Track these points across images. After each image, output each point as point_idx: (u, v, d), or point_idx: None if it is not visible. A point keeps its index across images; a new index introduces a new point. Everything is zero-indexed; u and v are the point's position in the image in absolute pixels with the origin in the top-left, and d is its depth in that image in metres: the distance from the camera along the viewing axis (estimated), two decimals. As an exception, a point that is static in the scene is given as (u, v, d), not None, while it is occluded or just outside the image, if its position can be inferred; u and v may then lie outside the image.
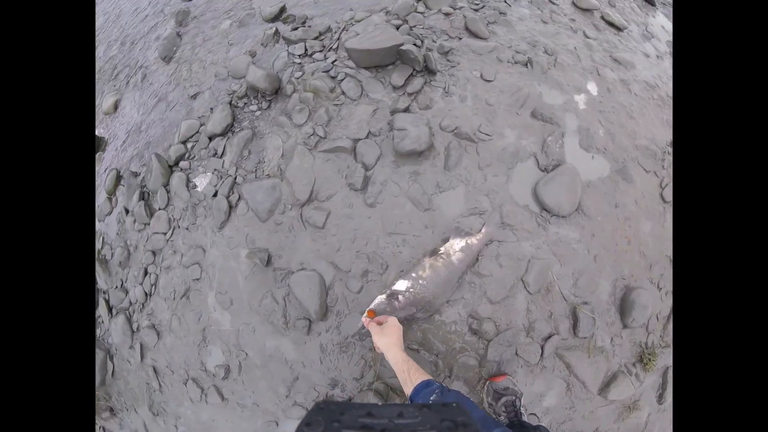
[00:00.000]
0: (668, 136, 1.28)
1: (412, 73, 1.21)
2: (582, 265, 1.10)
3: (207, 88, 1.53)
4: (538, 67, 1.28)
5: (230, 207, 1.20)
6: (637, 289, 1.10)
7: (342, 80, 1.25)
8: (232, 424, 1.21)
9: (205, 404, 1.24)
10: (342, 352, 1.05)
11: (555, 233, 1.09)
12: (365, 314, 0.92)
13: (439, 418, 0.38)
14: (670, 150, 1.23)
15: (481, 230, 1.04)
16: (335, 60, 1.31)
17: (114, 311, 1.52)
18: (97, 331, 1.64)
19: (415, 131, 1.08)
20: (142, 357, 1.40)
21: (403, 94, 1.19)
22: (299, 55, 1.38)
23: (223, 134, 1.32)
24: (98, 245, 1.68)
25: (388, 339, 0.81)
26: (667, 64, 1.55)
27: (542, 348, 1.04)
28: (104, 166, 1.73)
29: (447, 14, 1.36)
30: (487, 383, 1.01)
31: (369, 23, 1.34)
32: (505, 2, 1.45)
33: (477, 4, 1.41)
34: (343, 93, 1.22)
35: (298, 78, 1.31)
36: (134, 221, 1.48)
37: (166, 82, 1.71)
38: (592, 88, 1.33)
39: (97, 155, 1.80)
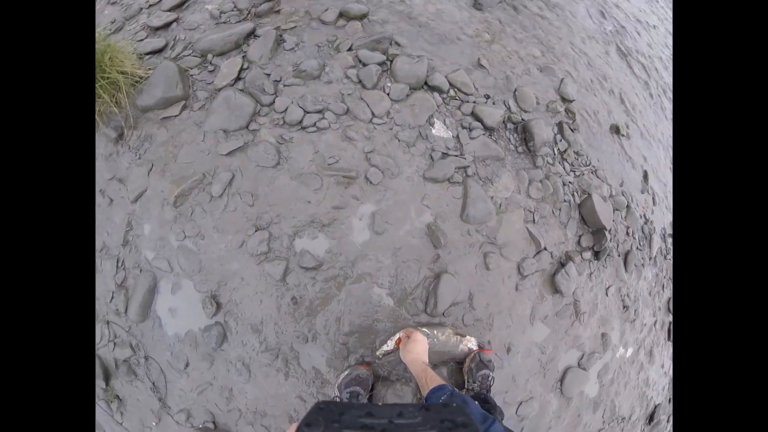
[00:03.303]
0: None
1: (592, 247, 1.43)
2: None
3: (501, 75, 1.45)
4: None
5: (449, 180, 1.14)
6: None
7: (564, 202, 1.38)
8: (253, 287, 1.03)
9: (251, 260, 1.03)
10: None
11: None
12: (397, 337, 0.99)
13: (439, 418, 0.36)
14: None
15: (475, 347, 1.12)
16: (570, 183, 1.44)
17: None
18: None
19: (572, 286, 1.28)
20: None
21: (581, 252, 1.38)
22: (557, 152, 1.46)
23: (485, 129, 1.27)
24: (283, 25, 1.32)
25: (413, 354, 0.88)
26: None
27: None
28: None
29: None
30: (476, 351, 1.08)
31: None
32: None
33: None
34: (559, 210, 1.35)
35: (549, 163, 1.38)
36: (351, 68, 1.23)
37: (466, 21, 1.56)
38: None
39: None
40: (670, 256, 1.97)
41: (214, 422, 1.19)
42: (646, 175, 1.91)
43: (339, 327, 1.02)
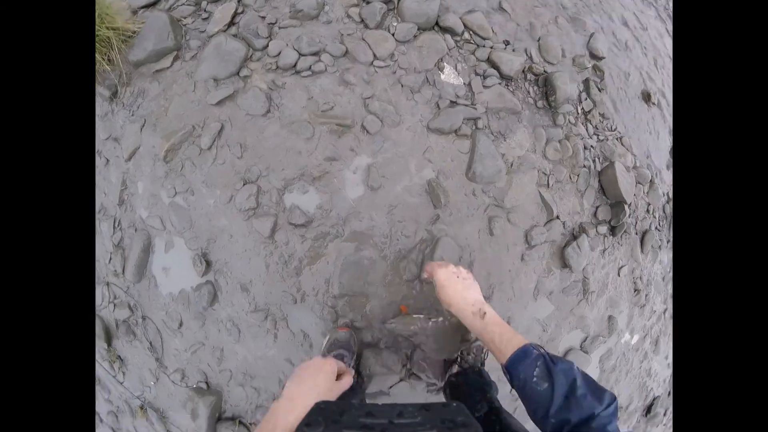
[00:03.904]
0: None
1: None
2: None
3: (524, 21, 1.25)
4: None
5: (456, 132, 0.99)
6: None
7: (583, 167, 1.20)
8: (241, 245, 0.96)
9: (239, 216, 0.95)
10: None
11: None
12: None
13: (440, 418, 0.36)
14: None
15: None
16: (591, 147, 1.26)
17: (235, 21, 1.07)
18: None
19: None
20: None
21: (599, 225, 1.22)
22: (581, 111, 1.27)
23: (502, 78, 1.10)
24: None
25: (458, 300, 0.57)
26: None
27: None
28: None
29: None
30: None
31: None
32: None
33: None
34: (577, 176, 1.18)
35: (570, 123, 1.20)
36: (353, 6, 1.09)
37: None
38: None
39: None
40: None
41: (207, 382, 1.16)
42: (672, 152, 1.68)
43: (328, 289, 0.94)
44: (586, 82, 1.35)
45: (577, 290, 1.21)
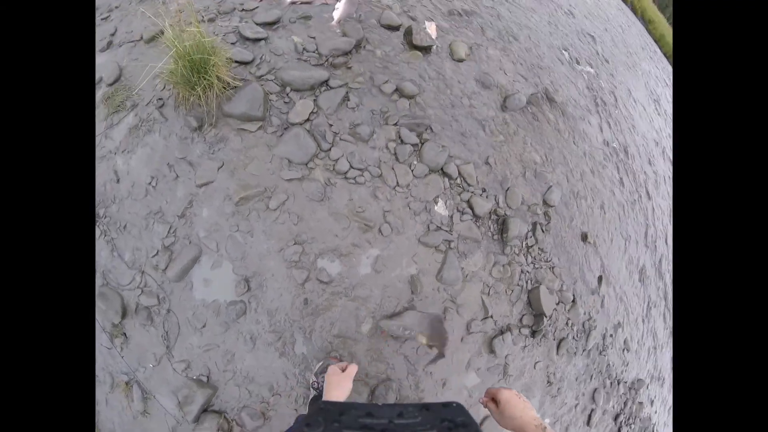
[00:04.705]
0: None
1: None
2: None
3: (501, 174, 2.14)
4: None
5: (436, 247, 1.77)
6: None
7: (518, 285, 2.03)
8: (279, 283, 1.59)
9: (284, 264, 1.61)
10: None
11: None
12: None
13: (439, 418, 0.40)
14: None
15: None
16: (527, 272, 2.11)
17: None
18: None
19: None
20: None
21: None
22: (525, 245, 2.14)
23: (473, 216, 1.93)
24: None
25: (516, 418, 0.69)
26: None
27: None
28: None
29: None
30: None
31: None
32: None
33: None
34: (511, 291, 2.01)
35: (515, 253, 2.05)
36: (392, 141, 1.88)
37: (489, 120, 2.26)
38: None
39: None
40: (606, 353, 2.64)
41: (207, 377, 1.70)
42: (600, 280, 2.61)
43: (330, 329, 1.58)
44: (534, 224, 2.23)
45: (499, 371, 1.96)
